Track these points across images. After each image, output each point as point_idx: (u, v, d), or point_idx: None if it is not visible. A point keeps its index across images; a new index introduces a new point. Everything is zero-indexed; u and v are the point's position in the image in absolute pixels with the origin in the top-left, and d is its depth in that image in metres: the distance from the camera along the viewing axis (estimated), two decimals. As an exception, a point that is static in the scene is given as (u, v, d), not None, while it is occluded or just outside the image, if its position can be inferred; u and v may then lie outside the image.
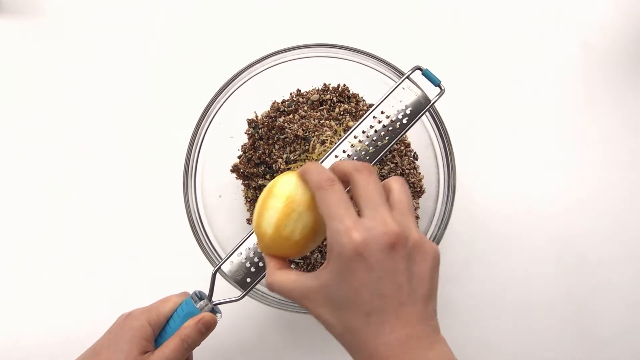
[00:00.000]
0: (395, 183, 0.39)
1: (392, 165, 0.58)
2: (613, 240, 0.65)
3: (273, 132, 0.58)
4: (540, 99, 0.68)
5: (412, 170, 0.60)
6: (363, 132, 0.49)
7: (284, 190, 0.40)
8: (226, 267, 0.49)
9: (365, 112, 0.60)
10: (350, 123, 0.58)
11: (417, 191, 0.59)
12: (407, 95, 0.48)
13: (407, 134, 0.62)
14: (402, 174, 0.59)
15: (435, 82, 0.48)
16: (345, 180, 0.39)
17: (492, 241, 0.65)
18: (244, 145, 0.61)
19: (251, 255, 0.48)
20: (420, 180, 0.60)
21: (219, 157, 0.59)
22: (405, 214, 0.38)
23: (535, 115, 0.68)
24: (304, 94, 0.61)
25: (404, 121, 0.48)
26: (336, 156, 0.49)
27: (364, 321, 0.35)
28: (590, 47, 0.69)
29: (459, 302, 0.64)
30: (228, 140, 0.61)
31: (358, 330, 0.35)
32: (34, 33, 0.70)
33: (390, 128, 0.49)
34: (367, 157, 0.49)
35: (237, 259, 0.49)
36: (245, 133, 0.60)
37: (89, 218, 0.66)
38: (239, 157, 0.61)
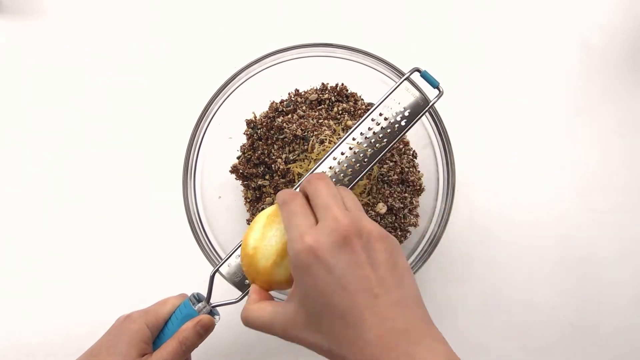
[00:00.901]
0: (344, 191, 0.40)
1: (391, 164, 0.58)
2: (614, 240, 0.65)
3: (272, 132, 0.58)
4: (540, 99, 0.68)
5: (411, 169, 0.60)
6: (361, 134, 0.49)
7: (262, 215, 0.43)
8: (224, 270, 0.49)
9: (364, 111, 0.60)
10: (349, 122, 0.58)
11: (416, 189, 0.59)
12: (405, 97, 0.48)
13: (406, 133, 0.62)
14: (401, 172, 0.58)
15: (434, 84, 0.48)
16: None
17: (492, 241, 0.65)
18: (243, 145, 0.61)
19: None
20: (419, 179, 0.60)
21: (218, 158, 0.59)
22: (356, 210, 0.37)
23: (535, 115, 0.68)
24: (302, 93, 0.60)
25: (403, 123, 0.48)
26: (334, 158, 0.48)
27: (342, 324, 0.34)
28: (590, 47, 0.69)
29: (459, 301, 0.64)
30: (227, 141, 0.61)
31: (340, 337, 0.34)
32: (34, 33, 0.70)
33: (388, 130, 0.48)
34: (366, 159, 0.48)
35: (235, 260, 0.49)
36: (244, 134, 0.60)
37: (88, 218, 0.66)
38: (238, 157, 0.61)
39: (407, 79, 0.48)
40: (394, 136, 0.48)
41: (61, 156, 0.67)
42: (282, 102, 0.60)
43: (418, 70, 0.48)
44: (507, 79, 0.68)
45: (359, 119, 0.58)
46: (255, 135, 0.59)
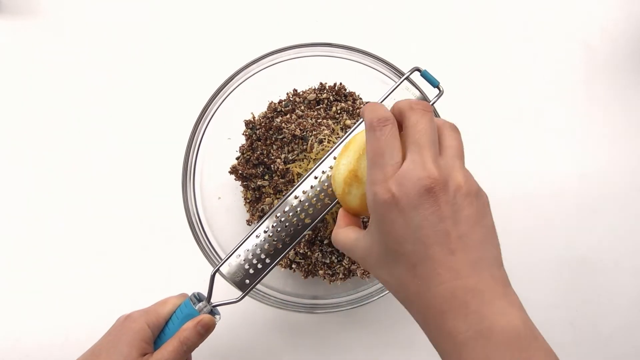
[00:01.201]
0: (448, 128, 0.37)
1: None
2: (614, 240, 0.65)
3: (270, 132, 0.58)
4: (541, 99, 0.68)
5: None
6: None
7: (358, 139, 0.42)
8: (225, 269, 0.49)
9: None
10: (348, 121, 0.58)
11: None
12: (405, 97, 0.48)
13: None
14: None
15: (434, 84, 0.48)
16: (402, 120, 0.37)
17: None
18: (242, 146, 0.61)
19: (250, 257, 0.48)
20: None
21: (217, 158, 0.59)
22: (452, 157, 0.35)
23: (535, 115, 0.68)
24: (301, 93, 0.60)
25: None
26: (335, 158, 0.48)
27: (412, 273, 0.33)
28: (591, 47, 0.69)
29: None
30: (226, 142, 0.61)
31: (408, 284, 0.33)
32: (34, 33, 0.70)
33: None
34: None
35: (235, 260, 0.49)
36: (243, 134, 0.60)
37: (88, 219, 0.66)
38: (237, 158, 0.61)
39: (407, 78, 0.48)
40: None
41: (61, 156, 0.67)
42: (280, 102, 0.60)
43: (418, 69, 0.48)
44: (507, 79, 0.68)
45: (358, 118, 0.59)
46: (254, 135, 0.59)
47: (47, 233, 0.66)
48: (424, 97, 0.48)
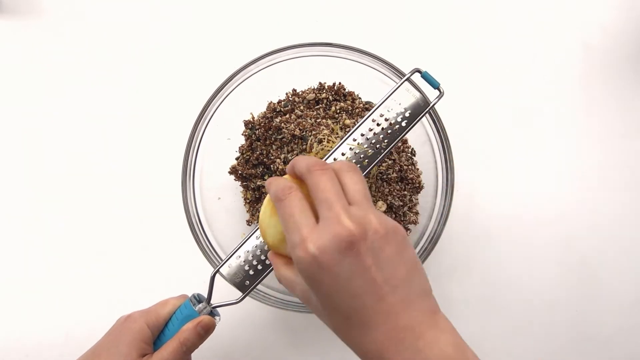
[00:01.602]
0: (346, 171, 0.38)
1: (390, 162, 0.58)
2: (614, 240, 0.65)
3: (270, 132, 0.58)
4: (540, 99, 0.68)
5: (410, 167, 0.60)
6: (362, 134, 0.48)
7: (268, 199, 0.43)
8: (225, 270, 0.49)
9: (362, 110, 0.60)
10: (347, 121, 0.58)
11: (415, 187, 0.59)
12: (406, 98, 0.48)
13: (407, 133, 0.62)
14: (400, 170, 0.58)
15: (435, 85, 0.48)
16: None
17: (492, 240, 0.65)
18: (242, 146, 0.61)
19: (250, 258, 0.48)
20: (418, 177, 0.60)
21: (216, 159, 0.59)
22: (360, 202, 0.36)
23: (535, 115, 0.67)
24: (300, 93, 0.60)
25: (403, 124, 0.48)
26: (335, 159, 0.48)
27: (347, 324, 0.34)
28: (591, 47, 0.69)
29: (458, 302, 0.64)
30: (225, 142, 0.61)
31: (345, 332, 0.35)
32: (34, 33, 0.70)
33: (389, 131, 0.48)
34: (367, 160, 0.48)
35: (235, 262, 0.49)
36: (242, 134, 0.60)
37: (88, 219, 0.66)
38: (237, 158, 0.61)
39: (408, 79, 0.48)
40: (394, 137, 0.48)
41: (60, 156, 0.67)
42: (279, 102, 0.60)
43: (419, 71, 0.48)
44: (507, 79, 0.68)
45: (357, 118, 0.59)
46: (253, 135, 0.59)
47: (47, 233, 0.66)
48: (424, 98, 0.48)
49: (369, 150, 0.48)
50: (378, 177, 0.57)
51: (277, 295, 0.57)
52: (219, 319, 0.49)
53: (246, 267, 0.48)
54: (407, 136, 0.61)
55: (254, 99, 0.59)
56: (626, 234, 0.65)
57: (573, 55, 0.68)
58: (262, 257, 0.48)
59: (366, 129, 0.48)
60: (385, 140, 0.48)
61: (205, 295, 0.49)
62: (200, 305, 0.48)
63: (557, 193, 0.66)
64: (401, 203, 0.58)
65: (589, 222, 0.65)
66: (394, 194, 0.57)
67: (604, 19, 0.69)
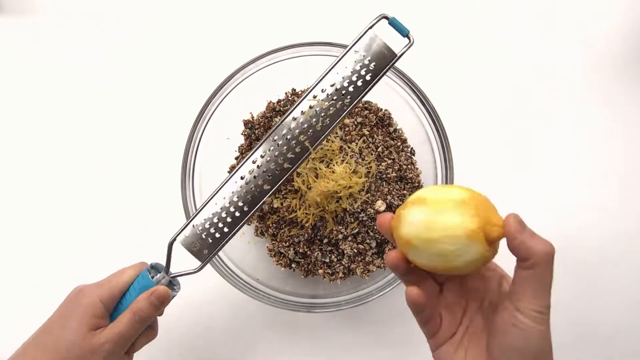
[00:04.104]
0: None
1: (389, 162, 0.58)
2: (614, 240, 0.64)
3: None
4: (540, 99, 0.68)
5: (409, 166, 0.60)
6: (322, 90, 0.45)
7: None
8: (186, 241, 0.48)
9: (361, 109, 0.59)
10: (346, 120, 0.57)
11: (414, 186, 0.59)
12: (371, 47, 0.44)
13: (403, 129, 0.61)
14: (399, 170, 0.58)
15: (404, 32, 0.43)
16: None
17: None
18: (241, 146, 0.61)
19: (207, 226, 0.48)
20: (417, 176, 0.60)
21: (216, 158, 0.59)
22: None
23: (534, 115, 0.67)
24: (299, 93, 0.60)
25: (367, 78, 0.44)
26: (294, 118, 0.46)
27: None
28: (591, 47, 0.69)
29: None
30: (225, 142, 0.61)
31: None
32: (33, 32, 0.70)
33: (351, 87, 0.45)
34: (327, 119, 0.45)
35: (192, 230, 0.48)
36: (242, 134, 0.60)
37: (88, 218, 0.66)
38: (236, 158, 0.61)
39: (373, 27, 0.43)
40: (358, 92, 0.44)
41: (60, 156, 0.68)
42: (279, 101, 0.60)
43: (386, 17, 0.44)
44: (507, 79, 0.68)
45: (356, 117, 0.59)
46: (252, 135, 0.59)
47: (47, 233, 0.66)
48: (389, 49, 0.44)
49: (331, 109, 0.45)
50: (377, 177, 0.57)
51: (276, 294, 0.57)
52: (179, 289, 0.48)
53: (204, 235, 0.48)
54: (406, 136, 0.61)
55: (254, 98, 0.59)
56: (626, 234, 0.65)
57: (574, 55, 0.68)
58: (220, 225, 0.47)
59: (327, 84, 0.45)
60: (348, 97, 0.45)
61: (164, 264, 0.47)
62: (159, 275, 0.47)
63: (557, 192, 0.66)
64: (400, 202, 0.58)
65: (590, 222, 0.65)
66: (393, 193, 0.57)
67: (604, 19, 0.69)
